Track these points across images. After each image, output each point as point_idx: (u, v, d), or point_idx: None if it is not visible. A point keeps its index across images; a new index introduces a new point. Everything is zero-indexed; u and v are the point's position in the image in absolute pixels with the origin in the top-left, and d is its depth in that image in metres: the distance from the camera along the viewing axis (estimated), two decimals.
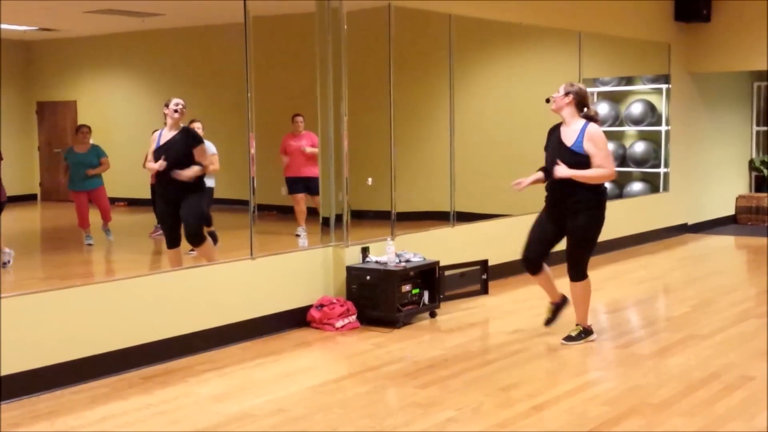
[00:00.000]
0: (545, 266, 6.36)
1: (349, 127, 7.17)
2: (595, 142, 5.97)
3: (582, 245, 6.15)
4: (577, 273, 6.19)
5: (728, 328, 6.70)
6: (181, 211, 6.68)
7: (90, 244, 8.93)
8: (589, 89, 11.16)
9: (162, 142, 6.72)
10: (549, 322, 6.59)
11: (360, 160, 7.69)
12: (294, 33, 8.60)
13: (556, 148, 6.09)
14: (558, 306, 6.57)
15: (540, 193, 6.34)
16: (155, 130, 6.86)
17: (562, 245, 6.30)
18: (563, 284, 6.38)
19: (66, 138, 11.51)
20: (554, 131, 6.18)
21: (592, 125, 6.04)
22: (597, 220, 6.10)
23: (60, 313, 5.40)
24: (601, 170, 5.96)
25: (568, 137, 6.04)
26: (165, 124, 6.77)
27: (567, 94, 6.07)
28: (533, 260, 6.29)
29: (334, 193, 7.24)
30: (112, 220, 9.06)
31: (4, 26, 9.29)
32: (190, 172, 6.63)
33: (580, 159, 5.97)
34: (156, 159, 6.69)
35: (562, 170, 5.97)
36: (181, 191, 6.67)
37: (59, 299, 5.44)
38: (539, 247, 6.27)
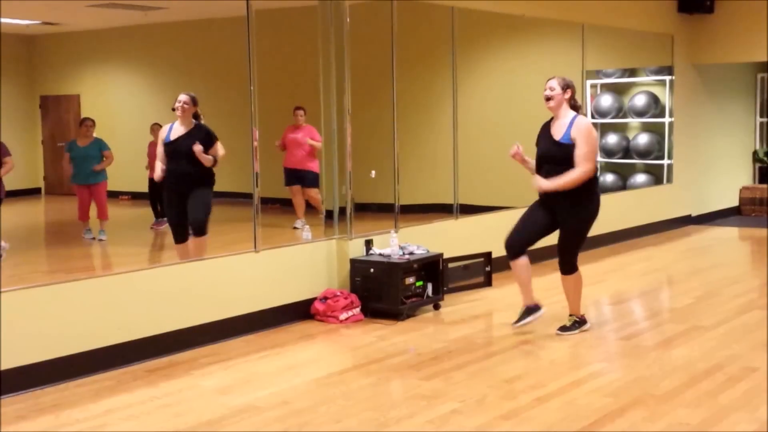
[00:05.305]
0: (526, 259, 6.20)
1: (352, 120, 7.16)
2: (581, 133, 5.93)
3: (572, 239, 6.15)
4: (569, 267, 6.19)
5: (732, 319, 6.70)
6: (190, 203, 6.64)
7: (93, 238, 8.94)
8: (592, 81, 11.32)
9: (173, 137, 6.68)
10: (518, 322, 6.32)
11: (363, 153, 7.69)
12: (296, 26, 8.60)
13: (546, 143, 6.09)
14: (530, 310, 6.30)
15: None
16: (154, 123, 6.82)
17: (551, 240, 6.30)
18: (555, 279, 6.37)
19: (69, 132, 11.53)
20: (546, 127, 6.18)
21: (580, 117, 6.05)
22: (588, 213, 6.09)
23: (64, 307, 5.42)
24: (577, 172, 5.89)
25: (558, 131, 6.04)
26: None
27: (566, 88, 6.07)
28: (516, 245, 6.19)
29: (337, 186, 7.24)
30: (108, 220, 9.04)
31: (7, 20, 9.31)
32: (209, 157, 6.62)
33: (569, 151, 5.94)
34: (167, 154, 6.69)
35: (542, 183, 6.00)
36: (192, 184, 6.65)
37: (63, 292, 5.45)
38: (525, 234, 6.21)
